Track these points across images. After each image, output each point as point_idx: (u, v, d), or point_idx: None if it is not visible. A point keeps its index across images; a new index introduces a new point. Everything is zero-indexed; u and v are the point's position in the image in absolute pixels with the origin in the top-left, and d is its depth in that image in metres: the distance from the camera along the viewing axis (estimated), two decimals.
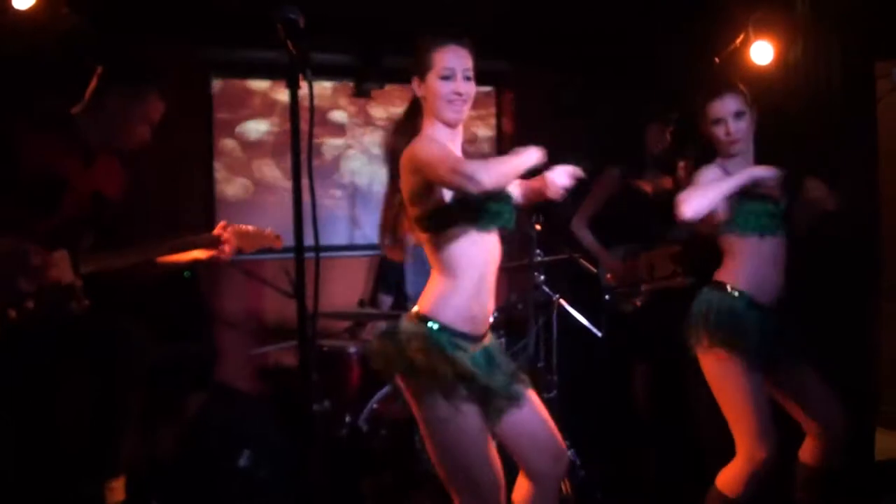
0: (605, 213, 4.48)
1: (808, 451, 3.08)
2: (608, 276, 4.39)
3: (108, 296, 3.11)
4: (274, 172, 5.07)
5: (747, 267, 3.02)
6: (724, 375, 2.95)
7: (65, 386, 3.21)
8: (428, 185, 2.43)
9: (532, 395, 2.61)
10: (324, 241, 5.04)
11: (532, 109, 5.50)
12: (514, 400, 2.51)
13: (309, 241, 1.87)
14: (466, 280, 2.48)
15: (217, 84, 4.95)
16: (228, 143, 4.99)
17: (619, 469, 4.33)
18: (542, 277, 4.06)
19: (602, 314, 4.25)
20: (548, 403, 4.08)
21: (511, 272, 4.65)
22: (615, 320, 4.31)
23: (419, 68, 2.53)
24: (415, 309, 2.53)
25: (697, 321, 3.01)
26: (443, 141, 2.50)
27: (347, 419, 3.97)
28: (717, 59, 4.46)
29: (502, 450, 2.58)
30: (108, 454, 2.89)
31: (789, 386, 3.04)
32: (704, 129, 3.12)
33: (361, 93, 5.16)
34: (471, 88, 2.53)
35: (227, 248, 3.19)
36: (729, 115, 3.02)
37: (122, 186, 3.20)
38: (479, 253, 2.49)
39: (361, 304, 4.70)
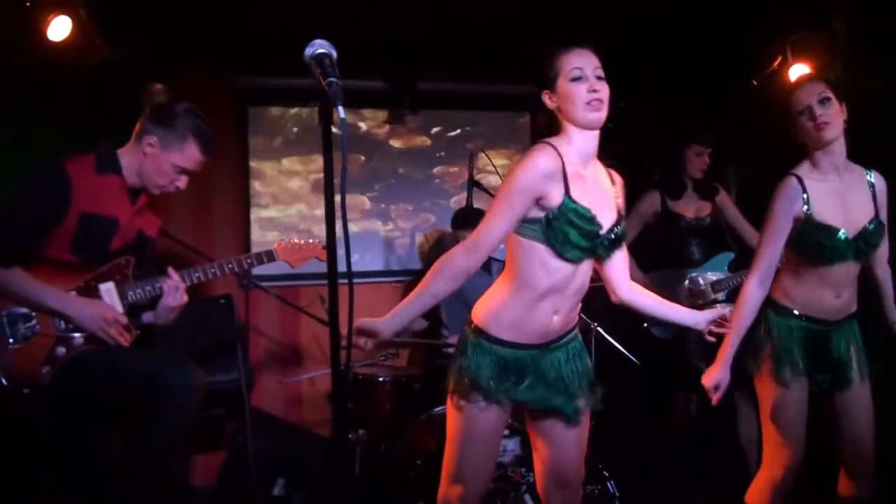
0: (643, 237, 4.43)
1: (842, 483, 3.04)
2: None
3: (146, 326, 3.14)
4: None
5: (795, 286, 2.97)
6: (768, 387, 2.96)
7: (109, 421, 3.23)
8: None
9: (576, 426, 2.63)
10: (358, 268, 5.08)
11: None
12: (552, 412, 2.59)
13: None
14: (525, 295, 2.50)
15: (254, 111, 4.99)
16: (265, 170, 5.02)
17: (659, 499, 4.25)
18: (580, 305, 4.00)
19: (641, 342, 4.18)
20: None
21: None
22: (654, 348, 4.25)
23: (546, 79, 2.45)
24: (471, 315, 2.64)
25: (756, 345, 3.00)
26: (578, 147, 2.47)
27: (382, 448, 3.93)
28: (754, 82, 4.41)
29: None
30: (149, 491, 2.87)
31: (833, 409, 3.00)
32: (794, 130, 2.92)
33: (396, 119, 5.17)
34: (606, 89, 2.42)
35: None
36: (813, 100, 2.83)
37: (158, 228, 3.26)
38: (547, 275, 2.46)
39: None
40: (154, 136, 2.99)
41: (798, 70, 4.14)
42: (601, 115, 2.42)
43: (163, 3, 3.96)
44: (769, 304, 3.00)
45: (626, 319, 4.31)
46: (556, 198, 2.39)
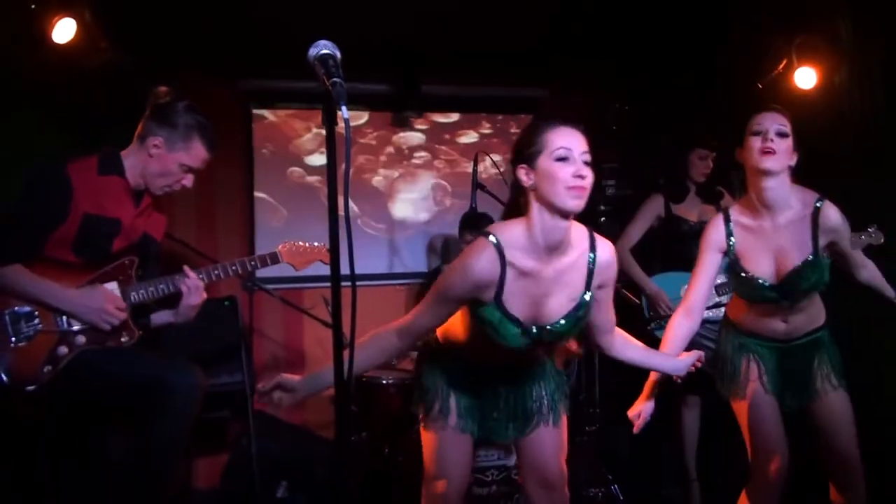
0: (646, 240, 4.42)
1: (834, 493, 3.03)
2: (651, 305, 4.33)
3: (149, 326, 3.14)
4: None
5: (748, 314, 3.02)
6: (737, 403, 3.02)
7: (111, 422, 3.23)
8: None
9: (551, 432, 2.67)
10: (362, 270, 5.08)
11: None
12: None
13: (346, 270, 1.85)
14: (471, 342, 2.54)
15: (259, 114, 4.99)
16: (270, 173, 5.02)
17: (662, 502, 4.24)
18: None
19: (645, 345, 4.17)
20: (589, 437, 4.04)
21: None
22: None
23: (526, 152, 2.28)
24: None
25: (718, 364, 3.10)
26: (543, 236, 2.30)
27: (386, 451, 3.92)
28: (759, 85, 4.40)
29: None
30: (152, 493, 2.87)
31: (809, 421, 3.00)
32: (740, 148, 2.90)
33: (400, 121, 5.16)
34: (591, 176, 2.25)
35: None
36: (771, 127, 2.79)
37: (163, 231, 3.26)
38: (481, 345, 2.49)
39: None
40: (159, 137, 2.99)
41: (803, 73, 4.14)
42: (581, 203, 2.24)
43: (166, 7, 3.96)
44: (725, 321, 3.13)
45: (629, 322, 4.32)
46: (487, 298, 2.34)
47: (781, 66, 4.25)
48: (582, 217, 2.41)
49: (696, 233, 4.29)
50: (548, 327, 2.41)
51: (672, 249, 4.37)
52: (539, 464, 2.68)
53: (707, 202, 4.34)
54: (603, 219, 4.93)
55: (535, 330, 2.40)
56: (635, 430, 2.91)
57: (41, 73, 3.55)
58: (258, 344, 4.83)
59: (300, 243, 3.35)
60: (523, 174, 2.28)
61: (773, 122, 2.81)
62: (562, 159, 2.22)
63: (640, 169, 5.11)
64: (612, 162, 5.20)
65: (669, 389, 4.35)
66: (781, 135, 2.80)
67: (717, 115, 4.68)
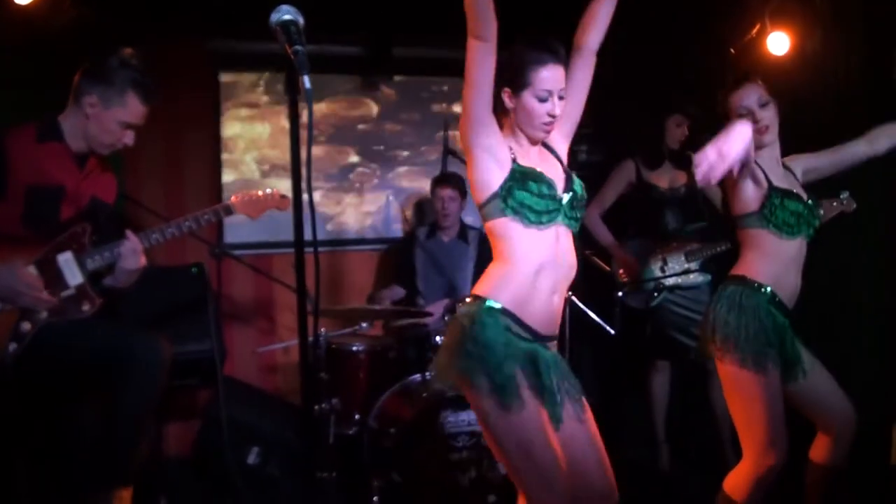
0: (618, 206, 4.42)
1: (817, 450, 3.01)
2: (621, 271, 4.33)
3: (116, 295, 3.09)
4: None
5: (767, 264, 2.86)
6: (738, 379, 2.80)
7: (78, 394, 3.19)
8: (481, 172, 2.40)
9: (587, 425, 2.47)
10: (333, 237, 5.04)
11: None
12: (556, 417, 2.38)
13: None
14: (521, 269, 2.36)
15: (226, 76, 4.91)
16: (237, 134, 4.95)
17: (634, 468, 4.28)
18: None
19: (615, 311, 4.18)
20: None
21: None
22: (629, 317, 4.25)
23: (513, 81, 2.40)
24: (472, 293, 2.44)
25: (717, 320, 2.83)
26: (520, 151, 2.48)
27: (356, 417, 3.93)
28: (732, 51, 4.38)
29: None
30: (119, 464, 2.85)
31: (802, 386, 2.91)
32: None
33: (370, 86, 5.10)
34: (562, 107, 2.45)
35: None
36: (754, 104, 2.92)
37: (115, 192, 3.17)
38: (531, 248, 2.36)
39: (371, 299, 4.65)
40: (93, 95, 2.89)
41: (777, 38, 4.11)
42: (548, 134, 2.49)
43: None
44: (740, 282, 2.87)
45: (601, 289, 4.32)
46: (503, 155, 2.40)
47: (755, 30, 4.22)
48: None
49: (666, 199, 4.30)
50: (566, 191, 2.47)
51: (643, 216, 4.37)
52: (584, 471, 2.44)
53: (678, 168, 4.33)
54: None
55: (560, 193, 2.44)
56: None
57: (2, 34, 3.46)
58: (228, 311, 4.79)
59: (253, 192, 3.26)
60: (507, 98, 2.44)
61: (753, 98, 2.95)
62: (543, 100, 2.39)
63: (612, 134, 5.08)
64: (585, 127, 5.15)
65: (639, 354, 4.42)
66: (764, 105, 2.93)
67: (691, 80, 4.66)
